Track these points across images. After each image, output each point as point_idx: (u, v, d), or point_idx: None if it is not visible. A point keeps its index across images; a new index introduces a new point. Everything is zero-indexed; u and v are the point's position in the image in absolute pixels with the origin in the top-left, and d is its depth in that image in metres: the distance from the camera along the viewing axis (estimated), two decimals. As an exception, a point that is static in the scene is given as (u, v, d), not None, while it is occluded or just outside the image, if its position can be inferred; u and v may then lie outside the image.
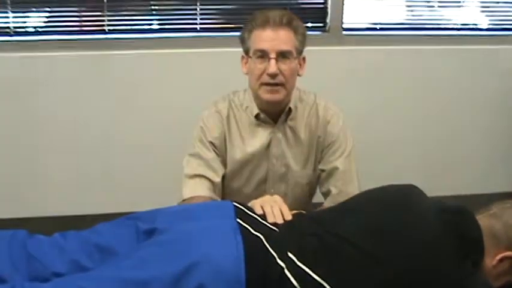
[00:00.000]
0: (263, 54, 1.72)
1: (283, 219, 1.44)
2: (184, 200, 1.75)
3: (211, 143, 1.81)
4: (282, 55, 1.72)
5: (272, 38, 1.71)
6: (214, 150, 1.81)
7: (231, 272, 1.20)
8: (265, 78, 1.73)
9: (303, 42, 1.78)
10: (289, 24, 1.73)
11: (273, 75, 1.72)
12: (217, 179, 1.78)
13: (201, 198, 1.72)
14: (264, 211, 1.46)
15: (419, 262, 1.29)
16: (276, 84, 1.73)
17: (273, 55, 1.71)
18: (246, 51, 1.79)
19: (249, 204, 1.51)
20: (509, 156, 3.09)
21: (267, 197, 1.53)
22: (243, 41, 1.79)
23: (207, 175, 1.77)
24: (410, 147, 2.96)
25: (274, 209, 1.46)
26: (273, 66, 1.70)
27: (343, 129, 1.86)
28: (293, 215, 1.46)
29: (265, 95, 1.75)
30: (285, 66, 1.73)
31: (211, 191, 1.76)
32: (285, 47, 1.72)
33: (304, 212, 1.59)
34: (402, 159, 2.95)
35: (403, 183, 1.51)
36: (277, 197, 1.53)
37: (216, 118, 1.83)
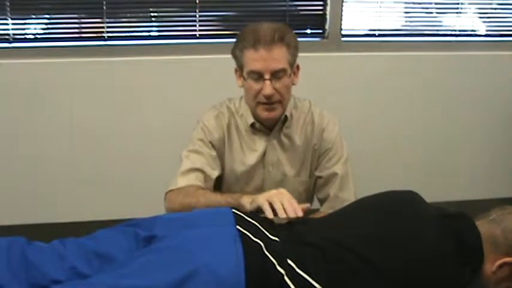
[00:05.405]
0: (258, 76, 1.70)
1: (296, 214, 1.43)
2: (171, 191, 1.71)
3: (211, 143, 1.81)
4: (276, 74, 1.69)
5: (265, 58, 1.67)
6: (214, 150, 1.81)
7: (230, 279, 1.20)
8: (262, 98, 1.72)
9: (295, 54, 1.75)
10: (281, 41, 1.68)
11: (268, 97, 1.71)
12: (214, 176, 1.77)
13: (193, 188, 1.69)
14: (272, 206, 1.45)
15: (420, 270, 1.29)
16: (273, 103, 1.73)
17: (267, 76, 1.68)
18: (240, 67, 1.76)
19: (254, 199, 1.51)
20: (509, 161, 3.09)
21: (273, 192, 1.51)
22: (235, 57, 1.76)
23: (206, 170, 1.76)
24: (410, 153, 2.96)
25: (284, 203, 1.45)
26: (268, 88, 1.69)
27: (339, 136, 1.85)
28: (293, 223, 1.45)
29: (263, 113, 1.75)
30: (279, 84, 1.71)
31: (205, 185, 1.74)
32: (278, 65, 1.69)
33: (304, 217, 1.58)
34: (401, 165, 2.95)
35: (403, 190, 1.50)
36: (283, 191, 1.51)
37: (217, 121, 1.83)
